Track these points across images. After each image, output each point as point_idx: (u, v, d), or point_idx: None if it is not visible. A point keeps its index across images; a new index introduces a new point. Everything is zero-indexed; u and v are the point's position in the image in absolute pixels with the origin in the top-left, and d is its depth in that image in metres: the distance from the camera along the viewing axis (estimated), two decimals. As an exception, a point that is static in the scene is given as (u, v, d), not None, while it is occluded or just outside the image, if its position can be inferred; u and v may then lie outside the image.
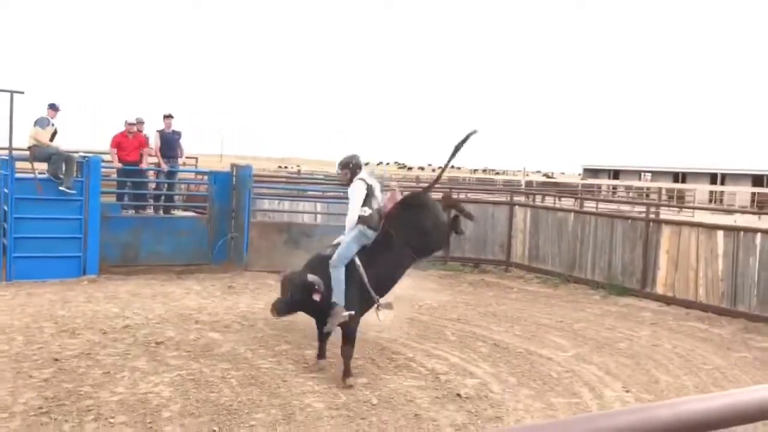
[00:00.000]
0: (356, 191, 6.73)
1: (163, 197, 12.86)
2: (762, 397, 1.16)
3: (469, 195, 16.48)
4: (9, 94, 9.96)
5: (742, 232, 10.01)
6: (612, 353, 7.71)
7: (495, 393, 6.22)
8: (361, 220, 6.57)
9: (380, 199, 6.93)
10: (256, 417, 5.42)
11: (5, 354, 6.70)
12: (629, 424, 1.02)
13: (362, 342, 7.67)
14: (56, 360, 6.57)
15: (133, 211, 12.20)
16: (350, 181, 6.82)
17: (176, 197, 13.55)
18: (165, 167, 12.51)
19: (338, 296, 6.40)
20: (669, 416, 1.05)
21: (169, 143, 12.69)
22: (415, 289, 9.95)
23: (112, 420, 5.26)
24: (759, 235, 9.72)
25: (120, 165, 12.00)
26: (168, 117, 12.75)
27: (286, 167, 50.98)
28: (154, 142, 12.53)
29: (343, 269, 6.46)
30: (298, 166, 48.73)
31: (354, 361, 6.85)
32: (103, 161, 11.61)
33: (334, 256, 6.52)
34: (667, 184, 50.92)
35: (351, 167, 6.89)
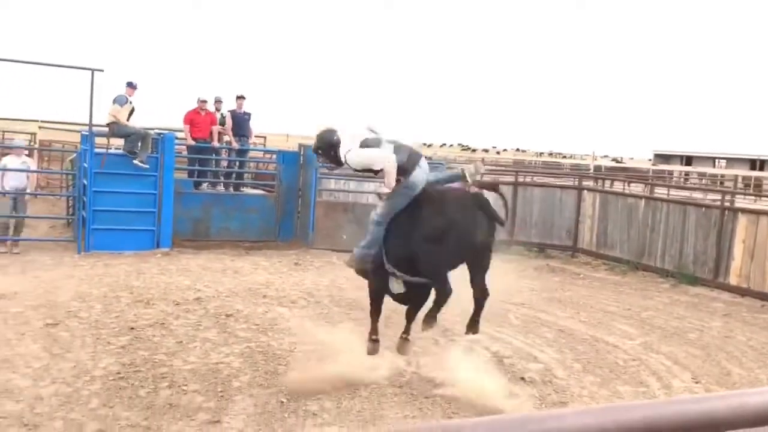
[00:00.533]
0: (361, 153, 5.73)
1: (233, 175, 13.17)
2: None
3: (535, 178, 16.25)
4: (90, 71, 10.34)
5: (825, 223, 9.56)
6: (681, 343, 7.53)
7: (559, 378, 6.18)
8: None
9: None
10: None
11: (85, 321, 7.03)
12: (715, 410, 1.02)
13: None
14: (132, 328, 6.86)
15: (207, 186, 12.54)
16: (337, 158, 5.84)
17: (245, 175, 13.85)
18: (236, 146, 12.79)
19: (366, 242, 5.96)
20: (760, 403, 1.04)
21: (240, 123, 12.96)
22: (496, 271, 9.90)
23: (185, 388, 5.47)
24: (844, 226, 9.27)
25: (192, 142, 12.33)
26: (240, 98, 13.02)
27: (350, 147, 51.32)
28: (227, 121, 12.82)
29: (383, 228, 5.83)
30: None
31: (416, 340, 6.92)
32: (177, 138, 11.95)
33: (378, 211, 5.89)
34: (743, 172, 48.97)
35: (324, 148, 5.95)
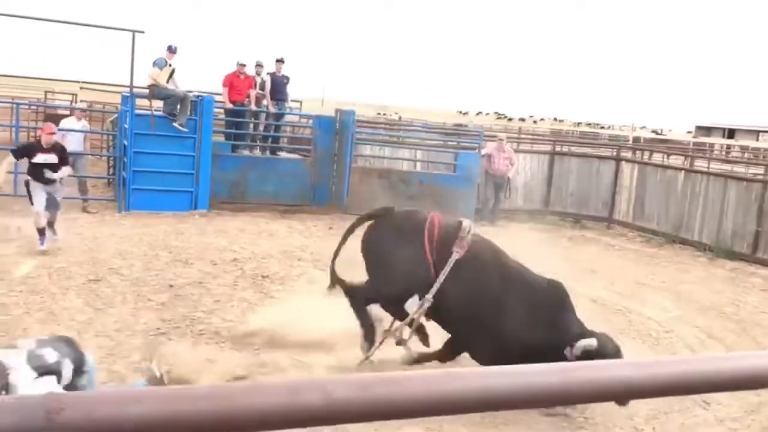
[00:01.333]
0: None
1: (270, 139, 13.25)
2: None
3: (572, 149, 16.04)
4: (131, 33, 10.44)
5: None
6: (717, 317, 7.47)
7: (591, 348, 6.18)
8: None
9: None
10: (358, 352, 5.64)
11: (126, 278, 7.23)
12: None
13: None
14: (171, 286, 7.04)
15: (247, 151, 12.65)
16: None
17: (282, 139, 13.92)
18: (273, 109, 12.84)
19: None
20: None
21: (279, 86, 12.98)
22: (512, 239, 9.91)
23: (222, 345, 5.62)
24: None
25: (230, 105, 12.42)
26: (279, 61, 13.02)
27: (384, 114, 51.12)
28: (266, 85, 12.85)
29: None
30: (397, 113, 48.77)
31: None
32: (216, 101, 12.05)
33: None
34: (788, 146, 47.63)
35: None
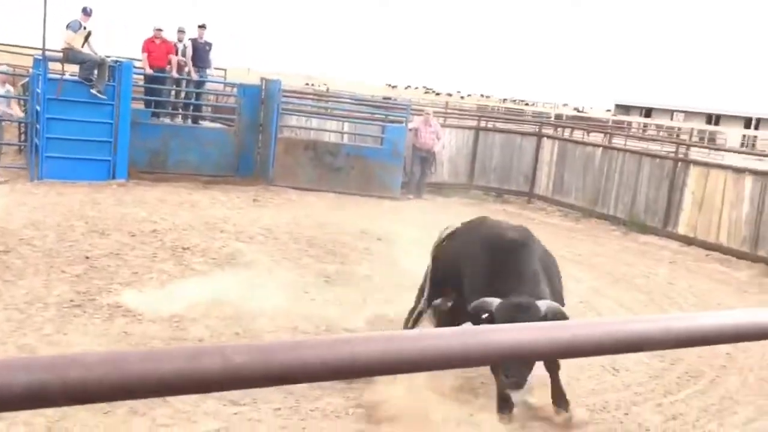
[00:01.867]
0: None
1: (191, 107, 12.90)
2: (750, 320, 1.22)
3: (497, 124, 16.31)
4: (43, -7, 9.92)
5: (771, 178, 9.90)
6: (628, 288, 7.81)
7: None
8: None
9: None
10: (278, 323, 5.64)
11: (39, 249, 6.95)
12: (640, 332, 1.10)
13: (384, 261, 7.87)
14: (87, 258, 6.81)
15: (168, 119, 12.27)
16: None
17: (204, 108, 13.58)
18: (195, 76, 12.48)
19: None
20: (682, 328, 1.12)
21: (200, 53, 12.62)
22: (436, 215, 10.05)
23: (140, 318, 5.50)
24: (788, 181, 9.61)
25: (150, 71, 12.00)
26: (201, 27, 12.63)
27: (312, 85, 50.54)
28: (188, 51, 12.46)
29: None
30: (325, 84, 48.30)
31: (373, 278, 7.06)
32: (135, 67, 11.62)
33: None
34: (699, 125, 49.88)
35: None
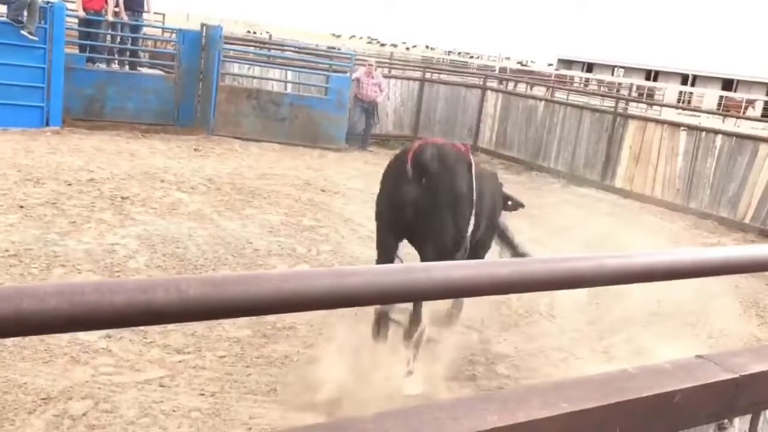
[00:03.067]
0: None
1: (128, 52, 12.44)
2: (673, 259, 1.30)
3: (441, 76, 16.30)
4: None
5: (704, 133, 10.26)
6: (566, 239, 8.04)
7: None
8: None
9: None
10: (222, 273, 5.61)
11: (-31, 198, 6.70)
12: (578, 270, 1.15)
13: (328, 212, 7.88)
14: (21, 207, 6.61)
15: (104, 65, 11.81)
16: None
17: (142, 54, 13.12)
18: (124, 18, 11.94)
19: None
20: (616, 265, 1.18)
21: None
22: (380, 167, 10.08)
23: (79, 267, 5.40)
24: (720, 136, 9.98)
25: (84, 14, 11.49)
26: None
27: (254, 33, 49.29)
28: None
29: None
30: (267, 32, 47.17)
31: (318, 229, 7.09)
32: (68, 9, 11.11)
33: None
34: (638, 81, 50.94)
35: None
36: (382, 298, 0.93)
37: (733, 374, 1.34)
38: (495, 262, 1.09)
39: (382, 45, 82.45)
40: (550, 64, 72.46)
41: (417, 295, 0.98)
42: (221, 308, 0.81)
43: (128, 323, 0.78)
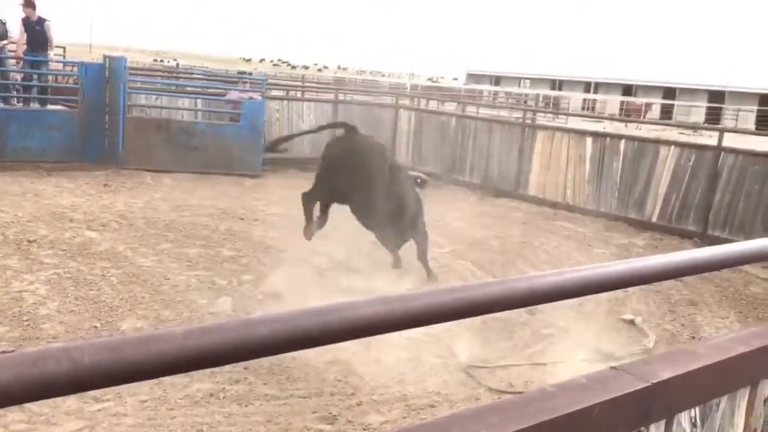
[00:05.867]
0: None
1: (33, 89, 11.94)
2: (598, 273, 1.34)
3: (355, 97, 16.40)
4: None
5: (608, 138, 10.70)
6: (485, 250, 8.19)
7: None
8: None
9: None
10: (138, 313, 5.42)
11: None
12: (489, 295, 1.17)
13: (247, 241, 7.75)
14: None
15: (1, 103, 11.28)
16: None
17: (42, 89, 12.60)
18: (19, 53, 11.47)
19: None
20: (525, 288, 1.20)
21: (35, 34, 11.65)
22: (299, 191, 10.00)
23: (-16, 318, 5.09)
24: (623, 141, 10.43)
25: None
26: (27, 5, 11.59)
27: (162, 61, 48.32)
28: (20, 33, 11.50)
29: None
30: (175, 60, 46.35)
31: (238, 258, 6.96)
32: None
33: None
34: (544, 91, 52.76)
35: None
36: (291, 345, 0.91)
37: (646, 382, 1.38)
38: (408, 295, 1.09)
39: (293, 67, 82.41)
40: (455, 78, 74.07)
41: (330, 338, 0.96)
42: (120, 374, 0.77)
43: (18, 400, 0.73)
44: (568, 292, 1.28)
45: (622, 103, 49.40)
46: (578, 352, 5.30)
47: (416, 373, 4.76)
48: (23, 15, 11.65)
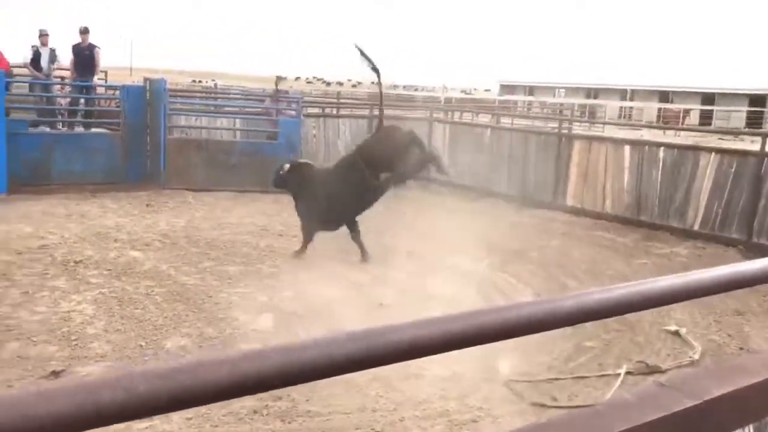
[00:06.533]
0: None
1: (79, 114, 12.31)
2: (652, 287, 1.32)
3: (389, 112, 16.48)
4: None
5: (647, 146, 10.54)
6: (524, 262, 8.12)
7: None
8: None
9: None
10: (182, 331, 5.50)
11: None
12: (534, 314, 1.16)
13: (287, 257, 7.82)
14: (-31, 281, 6.40)
15: (46, 128, 11.65)
16: None
17: (83, 114, 12.96)
18: (71, 78, 11.85)
19: None
20: (572, 305, 1.19)
21: (84, 59, 12.06)
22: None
23: (34, 339, 5.23)
24: (662, 149, 10.26)
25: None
26: (84, 32, 12.05)
27: (200, 81, 49.19)
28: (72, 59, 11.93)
29: None
30: (213, 80, 47.14)
31: (278, 275, 7.03)
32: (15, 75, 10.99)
33: None
34: (579, 100, 52.25)
35: None
36: (338, 369, 0.92)
37: (696, 400, 1.36)
38: (448, 317, 1.09)
39: (328, 84, 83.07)
40: (486, 90, 73.70)
41: (378, 361, 0.97)
42: (173, 401, 0.79)
43: (73, 429, 0.75)
44: (615, 309, 1.27)
45: (659, 110, 48.62)
46: (622, 365, 5.21)
47: (457, 387, 4.73)
48: (75, 41, 12.06)
